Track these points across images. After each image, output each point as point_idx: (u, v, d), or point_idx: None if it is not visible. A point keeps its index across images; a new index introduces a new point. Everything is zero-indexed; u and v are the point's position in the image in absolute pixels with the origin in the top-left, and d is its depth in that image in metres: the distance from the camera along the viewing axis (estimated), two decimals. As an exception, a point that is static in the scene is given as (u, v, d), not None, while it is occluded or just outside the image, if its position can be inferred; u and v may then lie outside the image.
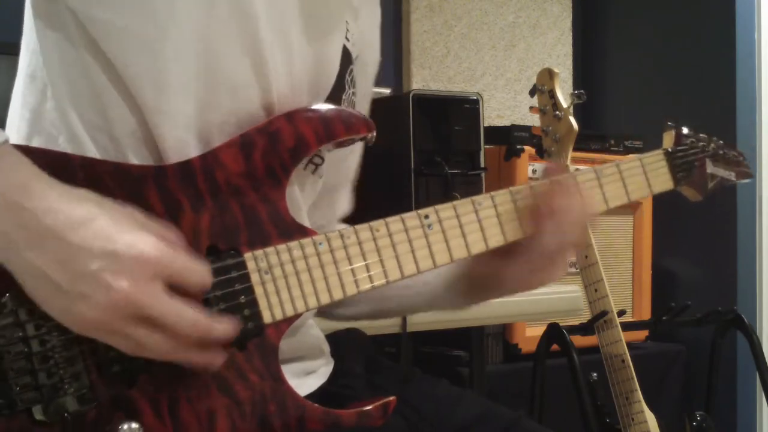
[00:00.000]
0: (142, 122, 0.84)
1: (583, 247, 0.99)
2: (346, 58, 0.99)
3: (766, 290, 2.78)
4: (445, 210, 0.92)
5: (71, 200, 0.71)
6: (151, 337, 0.71)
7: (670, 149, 1.10)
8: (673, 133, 1.12)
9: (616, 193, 1.03)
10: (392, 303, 1.09)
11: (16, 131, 0.89)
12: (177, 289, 0.73)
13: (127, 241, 0.71)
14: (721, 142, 1.18)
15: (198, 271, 0.75)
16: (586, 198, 0.98)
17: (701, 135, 1.15)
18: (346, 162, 1.09)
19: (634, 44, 3.12)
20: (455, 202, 0.93)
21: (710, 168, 1.15)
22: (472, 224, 0.93)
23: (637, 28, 3.12)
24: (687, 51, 2.90)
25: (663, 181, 1.08)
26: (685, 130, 1.14)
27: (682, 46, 2.92)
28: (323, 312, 1.09)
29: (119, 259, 0.70)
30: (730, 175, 1.18)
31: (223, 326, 0.75)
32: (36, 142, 0.87)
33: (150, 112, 0.83)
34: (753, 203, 2.77)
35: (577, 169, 1.03)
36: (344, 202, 1.12)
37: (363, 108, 1.07)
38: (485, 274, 1.00)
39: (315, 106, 0.88)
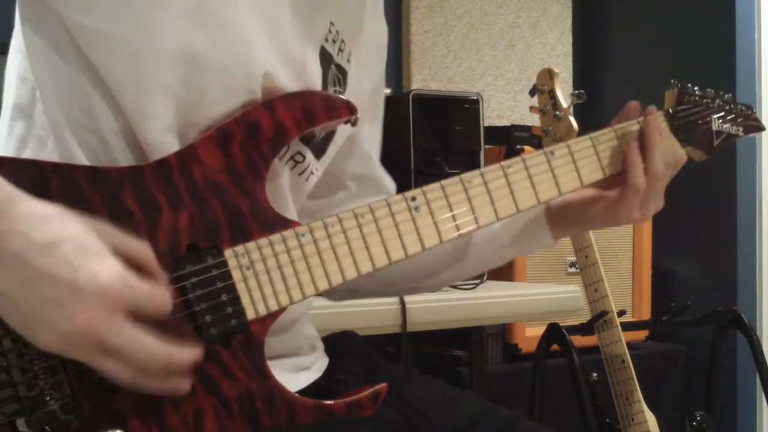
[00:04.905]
0: (126, 125, 0.83)
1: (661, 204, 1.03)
2: (324, 58, 0.95)
3: (766, 290, 2.77)
4: (433, 191, 0.90)
5: (37, 221, 0.69)
6: (113, 365, 0.71)
7: (670, 109, 1.05)
8: (675, 92, 1.08)
9: (613, 160, 1.01)
10: (470, 261, 1.12)
11: (6, 134, 0.88)
12: (141, 315, 0.72)
13: (90, 271, 0.69)
14: (728, 96, 1.13)
15: (158, 298, 0.73)
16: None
17: (708, 90, 1.11)
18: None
19: (634, 44, 3.11)
20: (443, 182, 0.91)
21: (716, 125, 1.10)
22: (461, 203, 0.91)
23: (637, 28, 3.11)
24: (687, 51, 2.89)
25: None
26: (688, 88, 1.09)
27: (682, 46, 2.92)
28: (401, 289, 1.13)
29: (81, 290, 0.68)
30: (738, 131, 1.13)
31: (185, 353, 0.74)
32: (30, 147, 0.86)
33: (132, 115, 0.82)
34: (753, 203, 2.76)
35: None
36: None
37: (362, 102, 1.02)
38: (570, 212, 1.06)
39: (292, 92, 0.86)
